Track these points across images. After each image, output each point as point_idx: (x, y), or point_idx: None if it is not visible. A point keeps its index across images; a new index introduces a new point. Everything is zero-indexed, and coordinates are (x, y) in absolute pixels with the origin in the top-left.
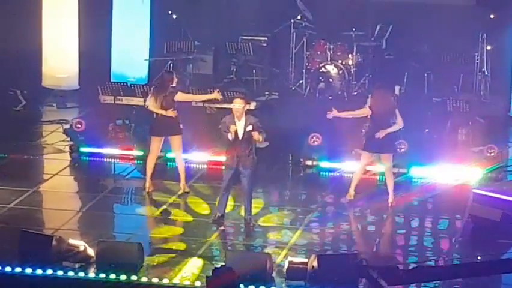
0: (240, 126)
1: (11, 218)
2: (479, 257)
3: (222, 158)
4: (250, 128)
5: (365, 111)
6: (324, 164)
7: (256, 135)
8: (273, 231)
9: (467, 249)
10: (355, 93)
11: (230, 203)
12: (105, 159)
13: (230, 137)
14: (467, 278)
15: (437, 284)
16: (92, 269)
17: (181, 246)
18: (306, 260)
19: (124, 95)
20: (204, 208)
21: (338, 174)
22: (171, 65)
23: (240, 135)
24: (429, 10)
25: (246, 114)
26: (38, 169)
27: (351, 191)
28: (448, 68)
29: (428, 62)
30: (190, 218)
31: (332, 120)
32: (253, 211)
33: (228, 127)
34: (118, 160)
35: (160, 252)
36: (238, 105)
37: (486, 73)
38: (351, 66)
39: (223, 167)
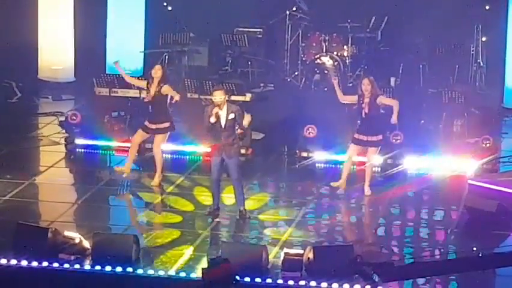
0: (222, 115)
1: (7, 210)
2: (474, 248)
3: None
4: (232, 116)
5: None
6: (320, 156)
7: (247, 119)
8: (269, 223)
9: (463, 240)
10: (350, 84)
11: (226, 195)
12: (100, 151)
13: (212, 119)
14: (461, 273)
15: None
16: (87, 261)
17: (177, 238)
18: (301, 252)
19: (119, 87)
20: (199, 200)
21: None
22: (166, 57)
23: (223, 124)
24: (425, 1)
25: (227, 104)
26: (34, 161)
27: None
28: (443, 59)
29: (424, 54)
30: (185, 210)
31: (327, 111)
32: (249, 203)
33: (210, 114)
34: (113, 152)
35: (156, 244)
36: (219, 97)
37: (481, 64)
38: (347, 58)
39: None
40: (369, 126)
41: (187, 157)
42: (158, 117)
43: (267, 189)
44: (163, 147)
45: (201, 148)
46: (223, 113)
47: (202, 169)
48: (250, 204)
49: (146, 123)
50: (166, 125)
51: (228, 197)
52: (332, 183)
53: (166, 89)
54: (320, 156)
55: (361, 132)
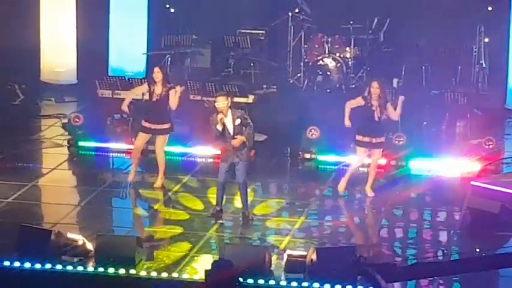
0: (228, 121)
1: (10, 212)
2: (477, 250)
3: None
4: (238, 121)
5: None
6: (322, 157)
7: (240, 140)
8: (272, 224)
9: (466, 241)
10: (353, 86)
11: (229, 196)
12: (103, 153)
13: (219, 127)
14: (464, 273)
15: (435, 277)
16: (90, 263)
17: (180, 239)
18: (304, 253)
19: (122, 89)
20: (202, 202)
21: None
22: (169, 59)
23: (231, 131)
24: (427, 3)
25: (231, 110)
26: (37, 163)
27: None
28: (445, 60)
29: (426, 55)
30: (188, 212)
31: (330, 113)
32: (252, 204)
33: (216, 122)
34: (116, 154)
35: (159, 246)
36: (222, 103)
37: (484, 65)
38: (349, 59)
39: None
40: (376, 128)
41: (190, 159)
42: (160, 117)
43: (270, 190)
44: (166, 149)
45: (204, 150)
46: (228, 120)
47: (205, 171)
48: (253, 206)
49: (146, 124)
50: (167, 126)
51: (235, 199)
52: (339, 188)
53: (179, 89)
54: (322, 158)
55: (367, 134)
